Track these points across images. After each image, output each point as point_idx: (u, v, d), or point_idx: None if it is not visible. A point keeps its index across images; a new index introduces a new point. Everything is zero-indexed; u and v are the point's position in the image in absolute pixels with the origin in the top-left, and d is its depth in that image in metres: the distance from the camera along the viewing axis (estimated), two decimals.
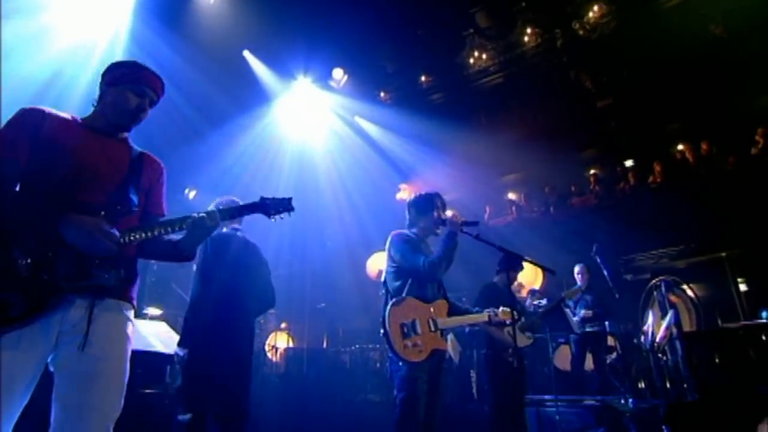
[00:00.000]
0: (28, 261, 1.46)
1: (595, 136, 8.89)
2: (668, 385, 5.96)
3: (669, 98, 8.33)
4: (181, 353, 3.11)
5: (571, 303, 5.96)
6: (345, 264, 8.45)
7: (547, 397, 5.79)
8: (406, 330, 2.74)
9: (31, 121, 1.64)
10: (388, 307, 2.80)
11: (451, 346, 6.32)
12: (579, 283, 6.00)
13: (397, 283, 2.96)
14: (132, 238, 1.66)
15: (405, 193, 9.89)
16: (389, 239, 3.08)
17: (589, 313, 5.71)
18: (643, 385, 6.14)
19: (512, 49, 8.88)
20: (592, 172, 8.72)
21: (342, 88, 8.50)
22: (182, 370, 3.11)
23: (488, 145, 8.96)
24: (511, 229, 8.16)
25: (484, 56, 9.03)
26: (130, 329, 1.71)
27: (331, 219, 8.67)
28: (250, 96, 7.58)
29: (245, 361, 3.16)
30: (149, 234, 1.70)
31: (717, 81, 7.77)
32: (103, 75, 1.82)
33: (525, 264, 7.55)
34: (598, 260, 5.58)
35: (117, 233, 1.59)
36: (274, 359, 7.23)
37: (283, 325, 8.08)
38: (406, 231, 3.16)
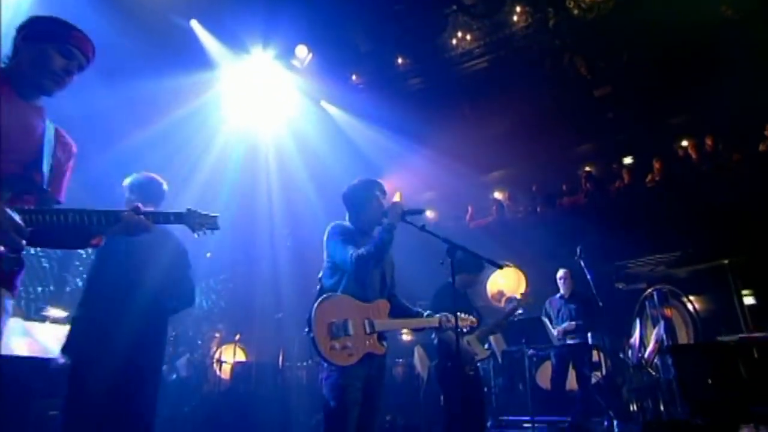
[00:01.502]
0: None
1: (591, 129, 9.02)
2: (662, 407, 6.07)
3: (673, 88, 8.50)
4: (61, 361, 2.82)
5: (552, 312, 6.03)
6: (307, 268, 8.43)
7: (524, 418, 5.87)
8: (335, 330, 2.74)
9: None
10: (316, 303, 2.80)
11: (418, 360, 6.34)
12: (562, 289, 6.08)
13: (332, 281, 2.96)
14: (38, 220, 1.64)
15: None
16: (326, 231, 3.10)
17: (572, 324, 5.77)
18: (635, 407, 6.24)
19: (499, 30, 8.99)
20: (586, 169, 8.83)
21: (306, 67, 8.49)
22: (67, 383, 2.74)
23: (472, 137, 9.04)
24: (493, 231, 8.23)
25: (468, 37, 9.13)
26: (4, 323, 1.70)
27: (291, 217, 8.66)
28: (198, 75, 7.52)
29: (151, 371, 2.95)
30: (60, 220, 1.70)
31: (726, 69, 7.91)
32: (20, 28, 1.79)
33: (508, 270, 7.66)
34: (582, 265, 5.66)
35: (23, 225, 1.56)
36: (220, 375, 7.17)
37: (237, 337, 8.01)
38: (345, 222, 3.16)
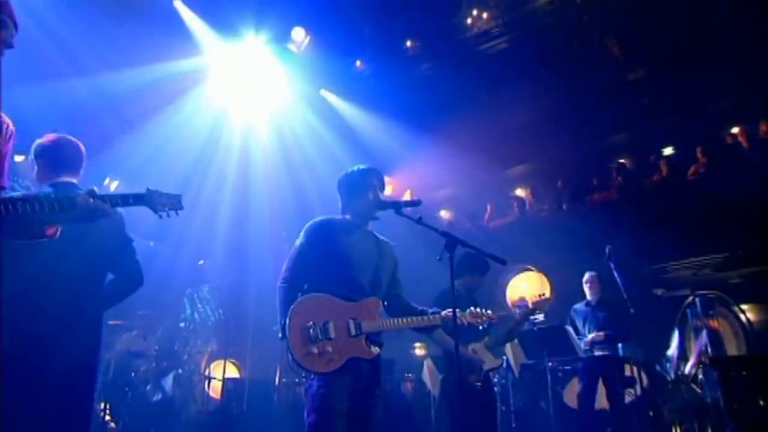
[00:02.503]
0: None
1: (624, 117, 8.90)
2: (709, 430, 5.90)
3: (719, 67, 8.32)
4: None
5: (578, 321, 5.93)
6: None
7: None
8: (312, 332, 2.73)
9: None
10: (293, 304, 2.79)
11: (428, 374, 6.29)
12: (589, 295, 5.98)
13: (315, 279, 2.96)
14: None
15: (387, 188, 9.91)
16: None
17: (601, 334, 5.66)
18: (678, 430, 6.08)
19: (520, 7, 8.95)
20: (620, 161, 8.72)
21: (304, 53, 8.53)
22: None
23: (490, 128, 8.99)
24: (514, 231, 8.16)
25: (484, 15, 9.09)
26: None
27: (288, 218, 8.68)
28: (184, 62, 7.61)
29: (78, 389, 2.55)
30: (9, 210, 1.72)
31: None
32: None
33: (530, 274, 7.58)
34: (612, 267, 5.56)
35: None
36: (209, 393, 7.20)
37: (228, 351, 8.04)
38: (329, 217, 3.18)
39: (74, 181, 2.83)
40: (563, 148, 8.80)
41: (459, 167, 9.36)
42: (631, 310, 5.30)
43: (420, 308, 3.18)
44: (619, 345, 5.58)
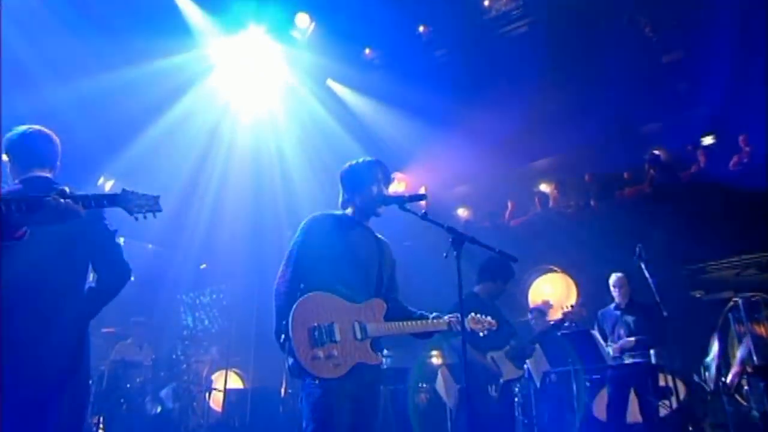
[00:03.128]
0: None
1: (659, 104, 8.80)
2: None
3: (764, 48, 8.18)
4: None
5: (606, 327, 5.89)
6: None
7: None
8: (317, 335, 2.74)
9: None
10: (295, 304, 2.81)
11: (442, 383, 6.29)
12: (617, 298, 5.94)
13: (314, 277, 2.97)
14: None
15: (400, 186, 9.93)
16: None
17: (631, 340, 5.62)
18: None
19: None
20: (654, 152, 8.62)
21: (309, 40, 8.57)
22: None
23: (511, 119, 8.92)
24: (537, 229, 8.14)
25: None
26: None
27: (295, 217, 8.73)
28: (184, 55, 7.71)
29: (65, 398, 2.50)
30: None
31: None
32: None
33: (554, 276, 7.54)
34: (643, 267, 5.51)
35: None
36: (210, 405, 7.27)
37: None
38: (328, 212, 3.22)
39: (47, 175, 2.79)
40: (591, 139, 8.72)
41: (477, 162, 9.34)
42: (665, 313, 5.25)
43: (418, 312, 3.20)
44: (652, 352, 5.52)
